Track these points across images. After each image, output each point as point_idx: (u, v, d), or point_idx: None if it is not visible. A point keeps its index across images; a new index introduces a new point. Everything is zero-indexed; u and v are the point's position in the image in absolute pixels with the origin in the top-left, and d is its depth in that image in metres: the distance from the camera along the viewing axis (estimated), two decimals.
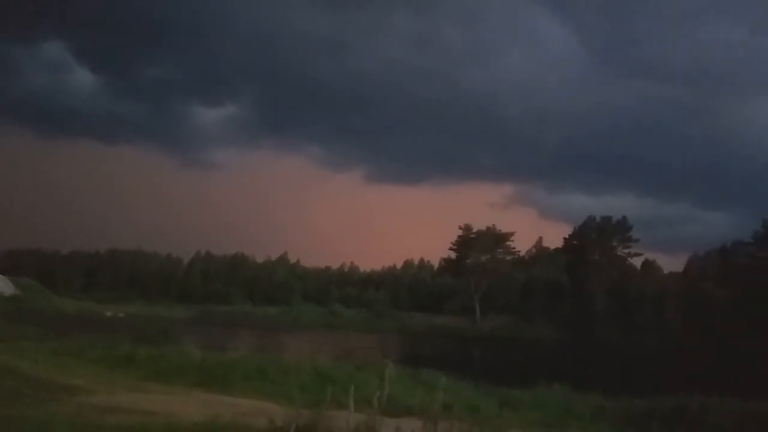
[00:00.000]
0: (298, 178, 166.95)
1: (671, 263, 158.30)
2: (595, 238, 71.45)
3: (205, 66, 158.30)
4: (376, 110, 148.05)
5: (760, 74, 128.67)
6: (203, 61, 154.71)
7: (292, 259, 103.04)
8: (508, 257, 78.94)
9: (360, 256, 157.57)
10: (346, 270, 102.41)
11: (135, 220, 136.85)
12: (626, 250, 72.55)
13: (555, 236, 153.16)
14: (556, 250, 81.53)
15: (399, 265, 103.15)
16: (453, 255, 79.92)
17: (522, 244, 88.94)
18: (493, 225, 77.25)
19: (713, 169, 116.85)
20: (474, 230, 76.82)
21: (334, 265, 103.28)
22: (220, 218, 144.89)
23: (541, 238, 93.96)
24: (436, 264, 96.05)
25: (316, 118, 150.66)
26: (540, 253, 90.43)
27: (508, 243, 77.38)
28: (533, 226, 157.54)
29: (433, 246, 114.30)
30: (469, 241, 76.36)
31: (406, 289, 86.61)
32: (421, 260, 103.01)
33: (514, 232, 77.97)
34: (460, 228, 77.70)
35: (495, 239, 76.04)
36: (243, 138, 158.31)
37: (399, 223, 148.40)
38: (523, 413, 12.14)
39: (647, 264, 79.31)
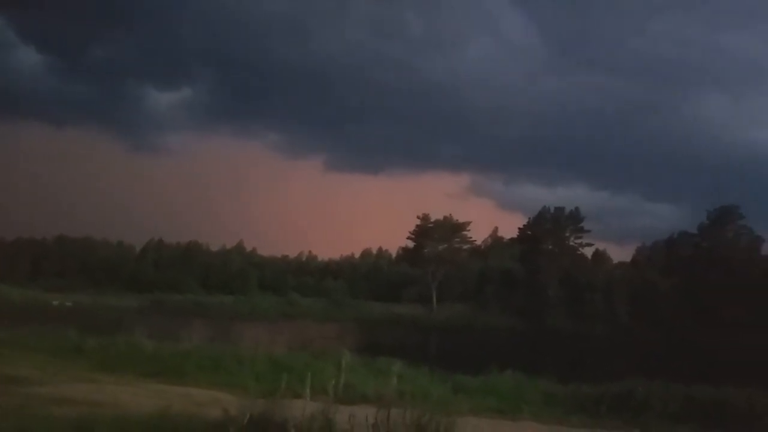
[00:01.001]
0: (255, 165, 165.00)
1: (621, 253, 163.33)
2: (548, 229, 73.14)
3: (159, 47, 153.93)
4: (336, 97, 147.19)
5: (710, 70, 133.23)
6: (158, 42, 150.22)
7: (248, 248, 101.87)
8: (465, 247, 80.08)
9: (318, 245, 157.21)
10: (303, 259, 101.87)
11: (84, 206, 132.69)
12: (578, 240, 74.57)
13: (511, 226, 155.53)
14: (512, 240, 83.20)
15: (357, 254, 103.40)
16: (411, 244, 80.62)
17: (479, 234, 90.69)
18: (450, 215, 78.29)
19: (664, 162, 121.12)
20: (432, 220, 77.60)
21: (292, 254, 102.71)
22: (174, 205, 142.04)
23: (496, 228, 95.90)
24: (394, 253, 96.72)
25: (274, 104, 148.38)
26: (495, 242, 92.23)
27: (465, 233, 78.51)
28: (490, 216, 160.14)
29: (392, 235, 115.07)
30: (426, 231, 77.08)
31: (364, 278, 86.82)
32: (380, 249, 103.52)
33: (471, 222, 79.21)
34: (418, 218, 78.47)
35: (452, 229, 76.96)
36: (198, 123, 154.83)
37: (358, 212, 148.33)
38: (476, 399, 12.37)
39: (598, 254, 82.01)
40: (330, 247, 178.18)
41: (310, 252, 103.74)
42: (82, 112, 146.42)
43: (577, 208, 74.47)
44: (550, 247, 72.63)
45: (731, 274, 61.17)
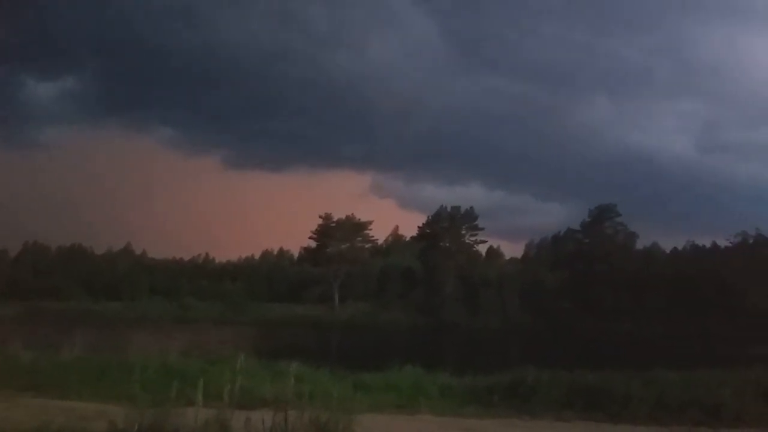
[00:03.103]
0: (147, 162, 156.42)
1: (514, 249, 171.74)
2: (445, 227, 75.69)
3: (38, 31, 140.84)
4: (236, 90, 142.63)
5: (596, 74, 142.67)
6: (37, 26, 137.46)
7: (138, 251, 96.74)
8: (367, 246, 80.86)
9: (215, 246, 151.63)
10: (199, 261, 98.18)
11: None
12: (473, 238, 77.81)
13: (413, 225, 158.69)
14: (412, 238, 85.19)
15: (257, 256, 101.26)
16: (313, 244, 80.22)
17: (381, 233, 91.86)
18: (353, 214, 78.72)
19: (554, 162, 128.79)
20: (334, 219, 77.64)
21: (186, 257, 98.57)
22: (55, 205, 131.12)
23: (397, 227, 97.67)
24: (296, 253, 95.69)
25: (169, 96, 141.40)
26: (396, 241, 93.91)
27: (367, 232, 79.30)
28: (392, 215, 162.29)
29: (294, 235, 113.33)
30: (329, 231, 77.02)
31: (265, 279, 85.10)
32: (281, 250, 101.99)
33: (373, 221, 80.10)
34: (320, 217, 78.25)
35: (354, 228, 77.44)
36: (83, 116, 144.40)
37: (258, 211, 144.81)
38: (376, 396, 12.49)
39: (491, 251, 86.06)
40: (228, 249, 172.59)
41: (206, 254, 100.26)
42: None
43: (472, 207, 77.77)
44: (447, 244, 75.17)
45: (610, 267, 66.41)
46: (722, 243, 69.18)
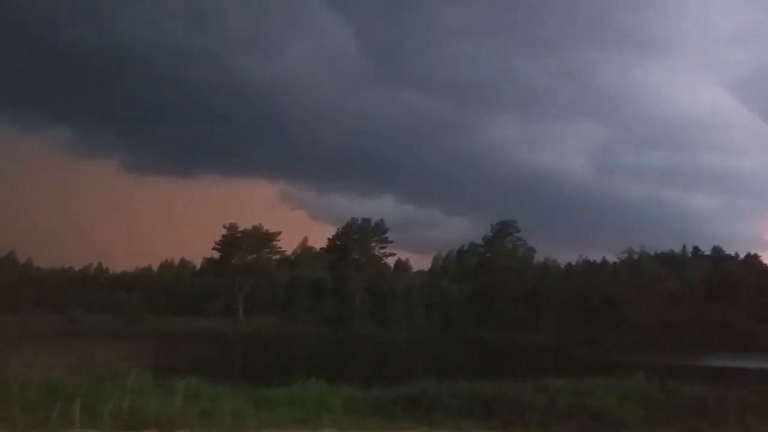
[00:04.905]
0: (36, 164, 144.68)
1: (422, 262, 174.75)
2: (356, 239, 76.10)
3: None
4: (139, 90, 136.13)
5: (503, 93, 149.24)
6: None
7: (22, 259, 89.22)
8: (275, 257, 79.38)
9: (110, 255, 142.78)
10: (91, 272, 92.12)
11: None
12: (383, 250, 78.70)
13: (323, 237, 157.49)
14: (322, 250, 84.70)
15: (155, 266, 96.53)
16: (217, 255, 77.66)
17: (290, 244, 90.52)
18: (260, 224, 77.05)
19: (461, 178, 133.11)
20: (240, 229, 75.67)
21: (77, 266, 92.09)
22: None
23: (306, 238, 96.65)
24: (198, 264, 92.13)
25: (65, 93, 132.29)
26: (305, 252, 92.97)
27: (275, 243, 77.84)
28: (303, 226, 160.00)
29: (197, 245, 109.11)
30: (234, 241, 74.97)
31: (164, 291, 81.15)
32: (182, 260, 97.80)
33: (281, 231, 78.75)
34: (224, 227, 75.89)
35: (261, 239, 75.83)
36: None
37: (158, 219, 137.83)
38: (278, 412, 12.22)
39: (400, 263, 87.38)
40: (124, 259, 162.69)
41: (99, 263, 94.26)
42: None
43: (382, 220, 78.78)
44: (356, 256, 75.50)
45: (509, 280, 69.37)
46: (611, 258, 74.18)
